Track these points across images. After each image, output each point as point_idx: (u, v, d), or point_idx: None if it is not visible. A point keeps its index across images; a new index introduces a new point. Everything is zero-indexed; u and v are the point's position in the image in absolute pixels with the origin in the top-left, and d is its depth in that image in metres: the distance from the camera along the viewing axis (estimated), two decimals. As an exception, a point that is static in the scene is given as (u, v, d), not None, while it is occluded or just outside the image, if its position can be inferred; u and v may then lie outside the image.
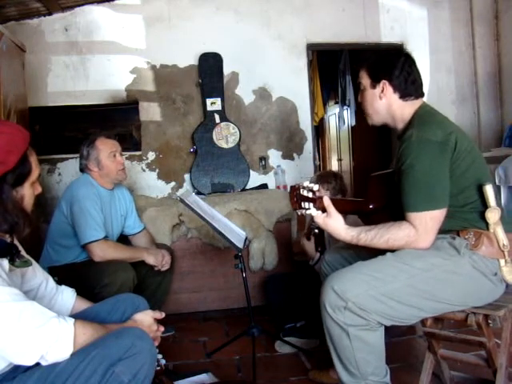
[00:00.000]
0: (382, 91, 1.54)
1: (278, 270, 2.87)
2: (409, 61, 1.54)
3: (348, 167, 6.29)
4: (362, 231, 1.44)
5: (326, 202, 1.45)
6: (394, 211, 1.47)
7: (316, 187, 1.44)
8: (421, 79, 1.56)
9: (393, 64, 1.52)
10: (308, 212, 1.45)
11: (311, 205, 1.44)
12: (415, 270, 1.37)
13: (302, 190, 1.45)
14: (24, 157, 1.12)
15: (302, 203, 1.45)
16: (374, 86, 1.56)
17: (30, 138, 1.16)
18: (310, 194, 1.44)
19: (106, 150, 2.28)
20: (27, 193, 1.15)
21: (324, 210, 1.46)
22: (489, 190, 1.40)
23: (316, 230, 2.28)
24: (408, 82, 1.52)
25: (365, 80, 1.59)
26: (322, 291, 1.40)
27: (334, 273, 1.45)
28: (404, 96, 1.52)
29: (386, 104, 1.55)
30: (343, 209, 1.55)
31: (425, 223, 1.36)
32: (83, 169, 2.32)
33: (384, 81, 1.53)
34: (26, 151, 1.13)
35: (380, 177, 1.69)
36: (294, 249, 2.94)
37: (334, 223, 1.47)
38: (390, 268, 1.38)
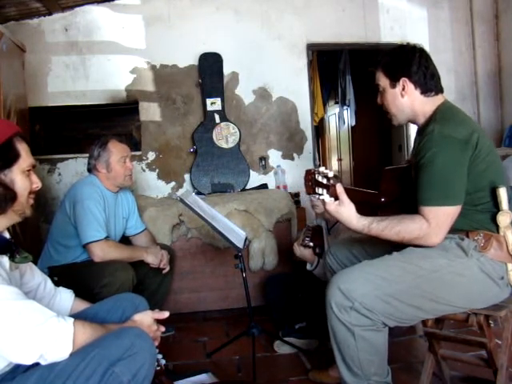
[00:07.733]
0: (403, 89, 1.52)
1: (277, 270, 2.87)
2: (424, 55, 1.52)
3: (348, 167, 6.29)
4: (374, 221, 1.42)
5: (339, 189, 1.40)
6: (404, 206, 1.46)
7: (331, 174, 1.38)
8: (438, 73, 1.54)
9: (409, 60, 1.50)
10: (321, 198, 1.40)
11: (325, 191, 1.39)
12: (421, 271, 1.36)
13: (317, 175, 1.40)
14: (9, 141, 1.16)
15: (317, 188, 1.41)
16: (393, 86, 1.54)
17: (18, 130, 1.20)
18: (325, 181, 1.39)
19: (117, 153, 2.29)
20: (17, 178, 1.17)
21: (336, 198, 1.41)
22: (502, 192, 1.39)
23: (310, 244, 2.28)
24: (427, 77, 1.50)
25: (383, 81, 1.56)
26: (328, 290, 1.39)
27: (339, 272, 1.44)
28: (425, 91, 1.51)
29: (409, 101, 1.53)
30: (355, 199, 1.50)
31: (438, 218, 1.34)
32: (91, 169, 2.33)
33: (404, 78, 1.51)
34: (11, 137, 1.17)
35: (393, 171, 1.67)
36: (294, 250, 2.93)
37: (347, 211, 1.42)
38: (397, 268, 1.38)
